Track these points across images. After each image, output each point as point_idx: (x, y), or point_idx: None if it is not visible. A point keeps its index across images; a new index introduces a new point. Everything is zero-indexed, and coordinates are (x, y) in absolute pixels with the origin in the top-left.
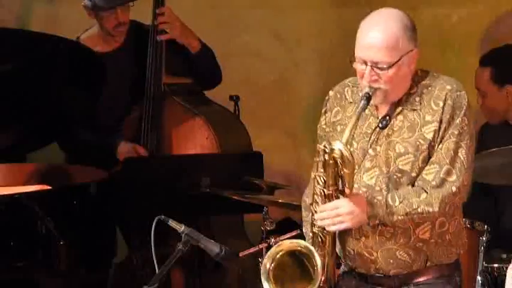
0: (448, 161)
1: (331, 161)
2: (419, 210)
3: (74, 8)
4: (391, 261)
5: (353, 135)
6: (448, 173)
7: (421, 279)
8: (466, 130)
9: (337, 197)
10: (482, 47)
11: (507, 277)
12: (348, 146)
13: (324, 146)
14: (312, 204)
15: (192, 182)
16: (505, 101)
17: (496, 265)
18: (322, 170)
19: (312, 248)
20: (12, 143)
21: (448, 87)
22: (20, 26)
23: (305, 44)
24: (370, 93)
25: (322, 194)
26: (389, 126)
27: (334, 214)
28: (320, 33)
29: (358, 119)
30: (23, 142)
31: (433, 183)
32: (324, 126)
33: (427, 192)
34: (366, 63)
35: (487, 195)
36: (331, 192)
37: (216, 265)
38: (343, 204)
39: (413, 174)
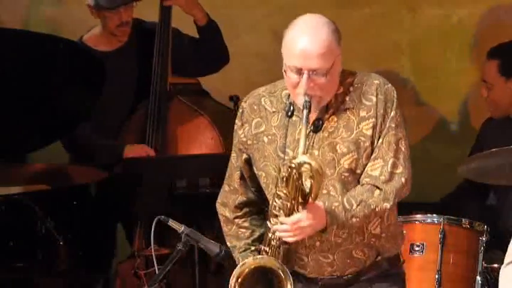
0: (392, 155)
1: (295, 176)
2: (377, 209)
3: (81, 9)
4: (348, 261)
5: (286, 144)
6: (394, 165)
7: (370, 274)
8: (400, 122)
9: (298, 209)
10: (482, 47)
11: (500, 277)
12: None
13: (290, 162)
14: (270, 218)
15: (192, 182)
16: (510, 94)
17: (495, 265)
18: (284, 185)
19: (286, 269)
20: (13, 143)
21: (376, 81)
22: (25, 28)
23: None
24: (310, 101)
25: (286, 207)
26: (323, 129)
27: (296, 227)
28: None
29: (307, 128)
30: (23, 142)
31: (382, 177)
32: (244, 139)
33: (380, 189)
34: (300, 71)
35: (486, 195)
36: (293, 205)
37: (217, 265)
38: (304, 218)
39: (358, 172)
